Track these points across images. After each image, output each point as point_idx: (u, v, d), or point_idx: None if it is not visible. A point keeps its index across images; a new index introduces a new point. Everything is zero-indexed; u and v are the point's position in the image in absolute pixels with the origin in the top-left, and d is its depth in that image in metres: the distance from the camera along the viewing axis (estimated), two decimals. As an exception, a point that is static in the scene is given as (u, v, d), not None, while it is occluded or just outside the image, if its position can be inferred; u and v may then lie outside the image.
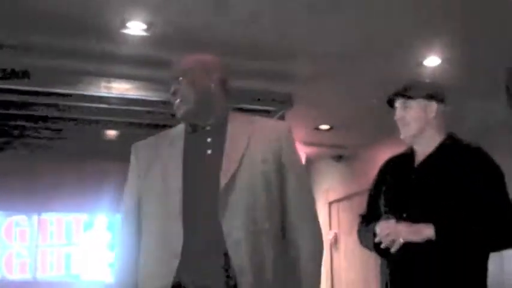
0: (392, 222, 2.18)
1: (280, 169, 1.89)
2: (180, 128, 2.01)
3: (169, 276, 1.75)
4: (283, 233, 1.89)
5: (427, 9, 3.25)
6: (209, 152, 1.89)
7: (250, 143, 1.88)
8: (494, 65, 3.89)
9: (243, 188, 1.80)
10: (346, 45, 3.73)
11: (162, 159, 1.92)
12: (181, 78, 1.94)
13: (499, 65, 3.89)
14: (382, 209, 2.36)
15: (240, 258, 1.75)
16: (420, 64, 3.91)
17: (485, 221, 2.14)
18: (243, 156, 1.84)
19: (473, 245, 2.16)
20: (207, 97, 1.94)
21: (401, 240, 2.12)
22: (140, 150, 2.01)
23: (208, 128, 1.94)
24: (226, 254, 1.75)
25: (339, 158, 6.51)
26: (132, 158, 2.01)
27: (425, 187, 2.25)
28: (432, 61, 3.89)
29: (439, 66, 3.94)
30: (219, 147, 1.88)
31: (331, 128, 5.50)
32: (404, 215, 2.19)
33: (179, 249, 1.76)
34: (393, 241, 2.14)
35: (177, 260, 1.76)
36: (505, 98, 4.22)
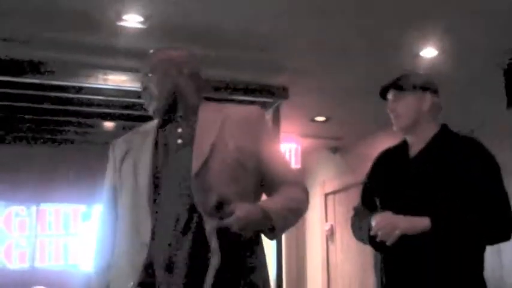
0: (388, 214, 2.16)
1: (257, 153, 1.90)
2: (155, 121, 2.04)
3: (138, 270, 1.78)
4: None
5: (423, 0, 3.26)
6: (179, 141, 1.91)
7: (221, 130, 1.89)
8: (491, 56, 3.91)
9: (215, 174, 1.81)
10: (342, 37, 3.74)
11: (134, 153, 1.96)
12: (150, 73, 1.97)
13: (496, 56, 3.91)
14: (377, 201, 2.36)
15: (213, 247, 1.75)
16: (417, 55, 3.92)
17: (481, 213, 2.13)
18: (214, 143, 1.86)
19: (469, 237, 2.15)
20: (176, 92, 1.96)
21: (398, 233, 2.10)
22: (116, 146, 2.06)
23: (178, 119, 1.97)
24: (197, 234, 1.77)
25: (335, 149, 6.52)
26: (110, 153, 2.06)
27: (420, 179, 2.24)
28: (429, 52, 3.90)
29: (436, 57, 3.94)
30: (189, 136, 1.90)
31: (327, 120, 5.52)
32: (400, 208, 2.17)
33: (148, 237, 1.79)
34: (389, 234, 2.12)
35: (146, 249, 1.79)
36: (504, 99, 4.25)
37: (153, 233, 1.80)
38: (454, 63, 4.02)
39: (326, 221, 6.55)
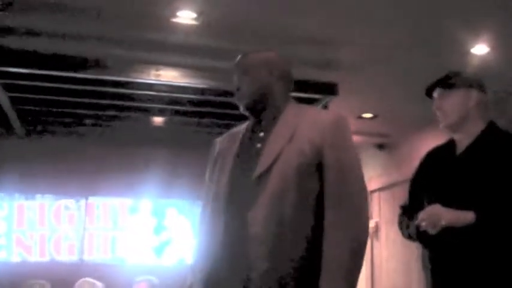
0: (436, 206, 2.16)
1: (321, 160, 1.87)
2: (247, 123, 2.09)
3: (207, 268, 1.86)
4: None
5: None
6: (259, 145, 1.95)
7: (294, 136, 1.90)
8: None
9: (275, 181, 1.83)
10: (393, 35, 3.72)
11: (223, 154, 2.03)
12: (243, 75, 2.02)
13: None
14: (425, 200, 2.33)
15: (256, 251, 1.78)
16: (468, 53, 3.88)
17: None
18: (281, 150, 1.87)
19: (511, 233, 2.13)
20: (267, 93, 2.00)
21: (442, 223, 2.09)
22: (216, 145, 2.12)
23: (265, 122, 2.01)
24: (246, 245, 1.79)
25: (381, 146, 6.50)
26: (210, 153, 2.13)
27: (466, 176, 2.23)
28: (480, 49, 3.86)
29: (487, 54, 3.90)
30: (266, 141, 1.94)
31: (374, 117, 5.50)
32: (446, 205, 2.15)
33: (219, 239, 1.86)
34: (433, 224, 2.12)
35: (215, 251, 1.85)
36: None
37: (224, 234, 1.86)
38: (505, 61, 3.96)
39: (371, 218, 6.53)
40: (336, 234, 1.79)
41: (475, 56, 3.92)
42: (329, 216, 1.82)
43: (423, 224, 2.15)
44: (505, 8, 3.32)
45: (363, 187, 1.90)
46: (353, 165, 1.90)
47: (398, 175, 5.87)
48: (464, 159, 2.29)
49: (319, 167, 1.87)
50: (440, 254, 2.22)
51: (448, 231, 2.11)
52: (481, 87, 2.35)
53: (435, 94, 2.39)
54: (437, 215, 2.12)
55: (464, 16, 3.45)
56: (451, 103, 2.32)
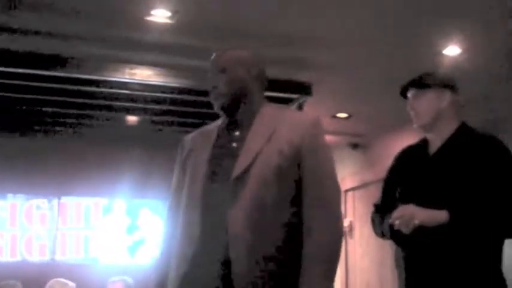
0: (410, 206, 2.17)
1: (299, 162, 1.88)
2: (219, 122, 2.09)
3: (184, 267, 1.85)
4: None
5: (447, -1, 3.28)
6: (234, 145, 1.95)
7: (272, 136, 1.90)
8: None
9: (254, 181, 1.83)
10: (366, 35, 3.74)
11: (196, 152, 2.02)
12: (220, 73, 2.02)
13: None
14: (398, 198, 2.36)
15: (237, 251, 1.78)
16: (440, 53, 3.92)
17: (498, 207, 2.14)
18: (260, 150, 1.88)
19: (486, 231, 2.16)
20: (243, 92, 2.01)
21: (416, 223, 2.11)
22: (184, 144, 2.12)
23: (239, 121, 2.01)
24: (225, 246, 1.79)
25: (355, 146, 6.54)
26: (179, 150, 2.12)
27: (440, 177, 2.26)
28: (452, 50, 3.90)
29: (459, 55, 3.94)
30: (243, 140, 1.94)
31: (348, 116, 5.53)
32: (419, 204, 2.17)
33: (195, 239, 1.85)
34: (407, 223, 2.13)
35: (191, 250, 1.85)
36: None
37: (201, 232, 1.86)
38: (476, 62, 4.01)
39: (345, 217, 6.56)
40: (315, 235, 1.82)
41: (447, 57, 3.96)
42: (308, 217, 1.85)
43: (397, 222, 2.17)
44: (477, 10, 3.36)
45: (338, 188, 1.94)
46: (330, 167, 1.94)
47: (372, 174, 5.93)
48: (437, 160, 2.32)
49: (297, 168, 1.88)
50: (414, 253, 2.24)
51: (421, 230, 2.12)
52: (453, 87, 2.39)
53: (409, 94, 2.42)
54: (410, 214, 2.13)
55: (438, 17, 3.48)
56: (424, 103, 2.35)
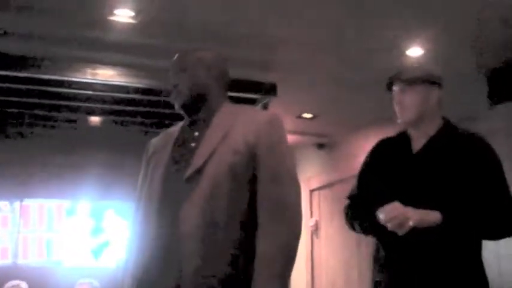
0: (397, 205, 2.12)
1: (255, 160, 1.87)
2: (182, 123, 2.08)
3: (139, 268, 1.85)
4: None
5: (412, 0, 3.31)
6: (193, 145, 1.94)
7: (228, 135, 1.90)
8: (475, 57, 3.97)
9: (207, 181, 1.82)
10: (331, 36, 3.77)
11: (158, 154, 2.01)
12: (181, 72, 2.02)
13: (480, 58, 3.97)
14: (378, 193, 2.28)
15: (188, 250, 1.77)
16: (403, 54, 3.97)
17: (487, 208, 2.13)
18: (215, 149, 1.87)
19: (476, 232, 2.16)
20: (204, 91, 2.01)
21: (410, 224, 2.06)
22: (149, 147, 2.11)
23: (199, 121, 2.00)
24: (178, 244, 1.78)
25: (320, 146, 6.57)
26: (144, 154, 2.12)
27: (427, 175, 2.22)
28: (415, 51, 3.95)
29: (421, 56, 3.99)
30: (200, 140, 1.93)
31: (313, 117, 5.55)
32: (404, 202, 2.12)
33: (150, 241, 1.84)
34: (401, 225, 2.08)
35: (147, 253, 1.84)
36: (486, 98, 4.32)
37: (156, 234, 1.85)
38: (437, 63, 4.06)
39: (311, 216, 6.59)
40: (269, 233, 1.80)
41: (410, 57, 4.01)
42: (262, 216, 1.83)
43: (389, 225, 2.11)
44: (439, 12, 3.41)
45: (297, 186, 1.92)
46: (287, 164, 1.91)
47: (337, 174, 5.96)
48: (423, 157, 2.27)
49: (253, 167, 1.87)
50: (401, 252, 2.19)
51: (412, 230, 2.08)
52: (440, 84, 2.33)
53: (396, 87, 2.34)
54: (404, 215, 2.08)
55: (401, 19, 3.52)
56: (412, 98, 2.28)
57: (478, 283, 2.18)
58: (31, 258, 6.05)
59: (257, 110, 2.16)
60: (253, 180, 1.86)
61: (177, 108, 2.04)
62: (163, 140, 2.07)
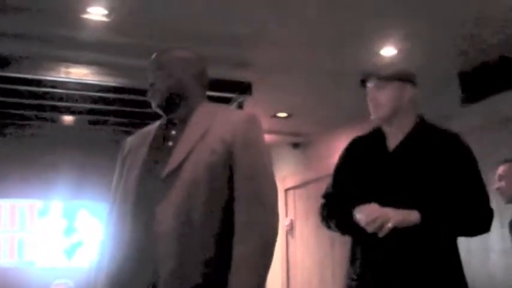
0: (375, 206, 2.11)
1: (232, 159, 1.86)
2: (158, 122, 2.06)
3: (113, 268, 1.83)
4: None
5: (384, 1, 3.33)
6: (170, 144, 1.93)
7: (206, 134, 1.89)
8: (447, 57, 4.02)
9: (184, 180, 1.81)
10: (306, 35, 3.78)
11: (133, 153, 1.99)
12: (158, 71, 2.00)
13: (452, 58, 4.02)
14: (353, 191, 2.29)
15: (164, 250, 1.76)
16: (377, 54, 4.00)
17: (464, 206, 2.14)
18: (192, 148, 1.86)
19: (454, 230, 2.17)
20: (181, 90, 1.99)
21: (390, 226, 2.06)
22: (124, 145, 2.09)
23: (176, 120, 1.99)
24: (154, 244, 1.77)
25: (295, 145, 6.59)
26: (119, 153, 2.09)
27: (404, 173, 2.21)
28: (388, 51, 3.98)
29: (395, 56, 4.03)
30: (178, 139, 1.92)
31: (288, 116, 5.57)
32: (381, 201, 2.12)
33: (125, 241, 1.83)
34: (381, 226, 2.07)
35: (121, 253, 1.82)
36: (459, 97, 4.37)
37: (131, 233, 1.83)
38: (411, 63, 4.09)
39: (286, 216, 6.61)
40: (246, 232, 1.79)
41: (384, 57, 4.04)
42: (239, 215, 1.82)
43: (370, 227, 2.10)
44: (412, 12, 3.44)
45: (274, 184, 1.92)
46: (264, 162, 1.91)
47: (312, 173, 5.99)
48: (399, 155, 2.27)
49: (230, 166, 1.86)
50: (379, 253, 2.17)
51: (392, 230, 2.07)
52: (414, 82, 2.35)
53: (370, 84, 2.35)
54: (384, 217, 2.08)
55: (376, 19, 3.54)
56: (386, 95, 2.29)
57: (457, 280, 2.19)
58: (3, 259, 5.96)
59: (235, 110, 2.15)
60: (230, 180, 1.86)
61: (154, 107, 2.02)
62: (139, 138, 2.05)
